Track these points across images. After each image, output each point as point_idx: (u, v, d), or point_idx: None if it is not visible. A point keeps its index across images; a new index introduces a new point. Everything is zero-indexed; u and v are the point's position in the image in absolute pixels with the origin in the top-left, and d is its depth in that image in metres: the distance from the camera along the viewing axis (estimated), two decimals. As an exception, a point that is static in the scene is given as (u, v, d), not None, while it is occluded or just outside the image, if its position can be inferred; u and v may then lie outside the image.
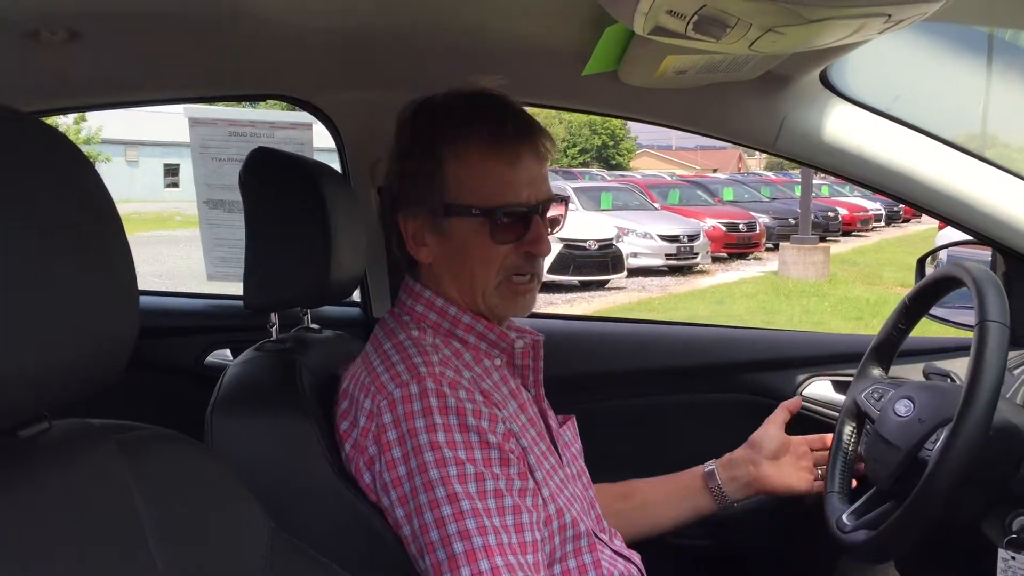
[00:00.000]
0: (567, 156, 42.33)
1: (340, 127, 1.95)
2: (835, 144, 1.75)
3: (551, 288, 12.20)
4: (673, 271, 14.30)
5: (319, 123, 2.02)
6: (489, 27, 1.57)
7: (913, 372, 1.72)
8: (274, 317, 1.45)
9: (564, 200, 1.36)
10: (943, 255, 2.13)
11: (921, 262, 2.10)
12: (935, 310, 1.85)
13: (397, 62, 1.73)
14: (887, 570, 1.87)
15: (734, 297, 11.98)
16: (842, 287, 12.73)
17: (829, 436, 1.61)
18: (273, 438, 1.24)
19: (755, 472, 1.56)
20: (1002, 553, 1.29)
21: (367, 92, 1.84)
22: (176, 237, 16.58)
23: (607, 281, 12.85)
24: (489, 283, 1.30)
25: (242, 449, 1.23)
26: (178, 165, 31.99)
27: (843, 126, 1.75)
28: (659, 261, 14.21)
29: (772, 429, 1.59)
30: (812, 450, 1.61)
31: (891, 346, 1.60)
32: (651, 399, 2.05)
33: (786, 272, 13.66)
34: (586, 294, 12.27)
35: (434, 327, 1.31)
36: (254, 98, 2.01)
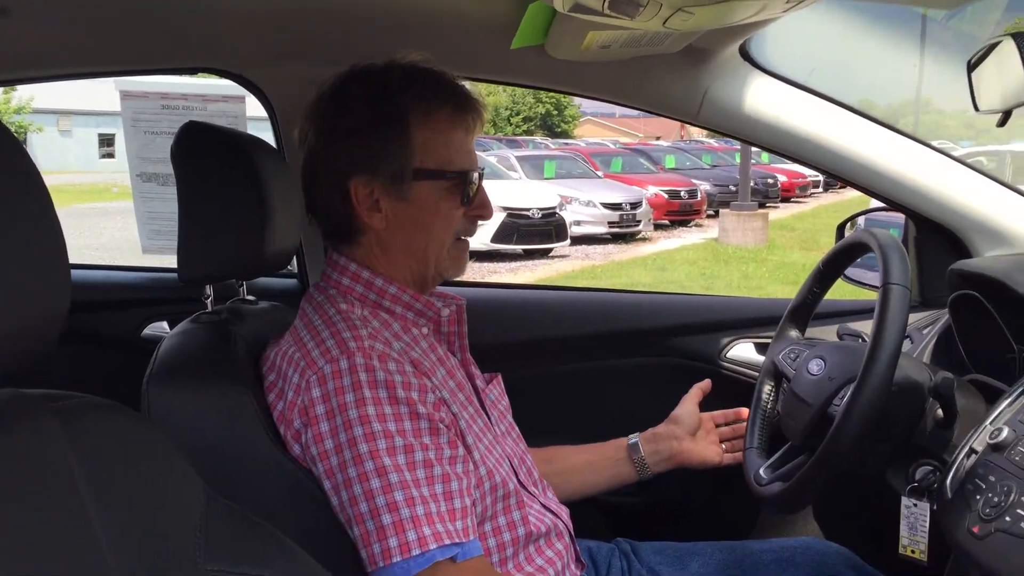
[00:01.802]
0: (511, 124, 42.17)
1: (273, 100, 1.96)
2: (754, 115, 1.82)
3: (495, 257, 12.24)
4: (616, 239, 14.41)
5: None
6: (420, 1, 1.60)
7: (828, 333, 1.80)
8: (209, 289, 1.47)
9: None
10: (861, 221, 2.22)
11: (841, 228, 2.18)
12: (852, 273, 1.95)
13: (328, 36, 1.75)
14: (805, 519, 1.97)
15: (675, 264, 12.15)
16: (780, 253, 12.98)
17: (734, 411, 1.72)
18: (208, 407, 1.26)
19: (677, 447, 1.66)
20: (905, 500, 1.37)
21: (299, 65, 1.84)
22: (113, 209, 16.22)
23: (551, 249, 12.93)
24: (444, 246, 1.35)
25: (178, 418, 1.25)
26: (113, 135, 31.16)
27: (762, 98, 1.81)
28: (602, 229, 14.31)
29: (690, 406, 1.70)
30: (717, 425, 1.72)
31: (807, 309, 1.68)
32: (578, 364, 2.11)
33: (726, 239, 13.86)
34: (530, 262, 12.34)
35: (361, 299, 1.34)
36: (185, 71, 1.99)
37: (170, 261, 1.78)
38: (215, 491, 0.96)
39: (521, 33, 1.55)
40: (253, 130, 1.80)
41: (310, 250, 2.07)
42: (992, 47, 1.31)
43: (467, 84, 1.40)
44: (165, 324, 2.14)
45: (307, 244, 2.05)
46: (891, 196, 1.86)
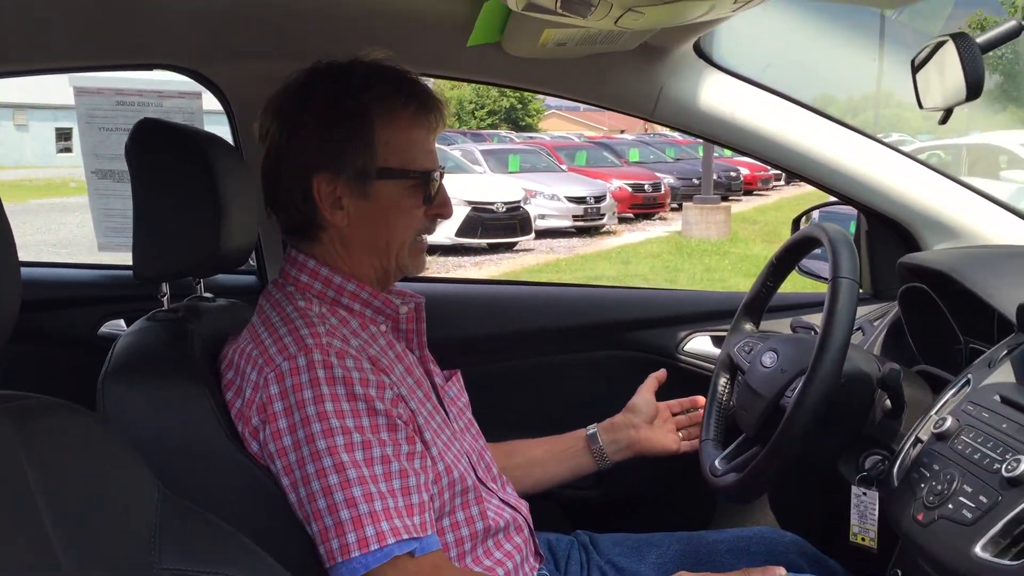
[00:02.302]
0: (475, 118, 42.10)
1: (230, 97, 1.95)
2: (709, 111, 1.84)
3: (460, 251, 12.23)
4: (580, 232, 14.45)
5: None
6: None
7: (783, 326, 1.84)
8: (165, 287, 1.46)
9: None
10: (816, 215, 2.26)
11: (796, 222, 2.22)
12: (807, 267, 1.98)
13: (286, 32, 1.74)
14: (762, 509, 2.00)
15: (639, 257, 12.21)
16: (742, 245, 13.10)
17: (690, 399, 1.73)
18: (164, 405, 1.26)
19: (635, 435, 1.68)
20: (855, 490, 1.39)
21: (257, 62, 1.83)
22: (71, 204, 15.99)
23: (515, 243, 12.93)
24: (406, 243, 1.36)
25: (133, 417, 1.24)
26: (70, 129, 30.62)
27: (717, 94, 1.84)
28: (567, 223, 14.34)
29: (647, 395, 1.71)
30: (674, 414, 1.73)
31: (760, 302, 1.70)
32: (539, 359, 2.13)
33: (689, 232, 13.95)
34: (494, 256, 12.33)
35: (319, 296, 1.34)
36: (140, 67, 1.97)
37: (127, 258, 1.76)
38: (171, 489, 0.96)
39: (477, 31, 1.56)
40: (210, 124, 1.79)
41: (269, 247, 2.06)
42: (935, 46, 1.34)
43: (428, 82, 1.41)
44: (122, 322, 2.13)
45: (265, 241, 2.04)
46: (843, 191, 1.90)
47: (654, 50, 1.76)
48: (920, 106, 1.38)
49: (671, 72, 1.82)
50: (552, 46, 1.58)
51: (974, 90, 1.24)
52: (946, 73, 1.29)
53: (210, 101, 2.18)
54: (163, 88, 2.23)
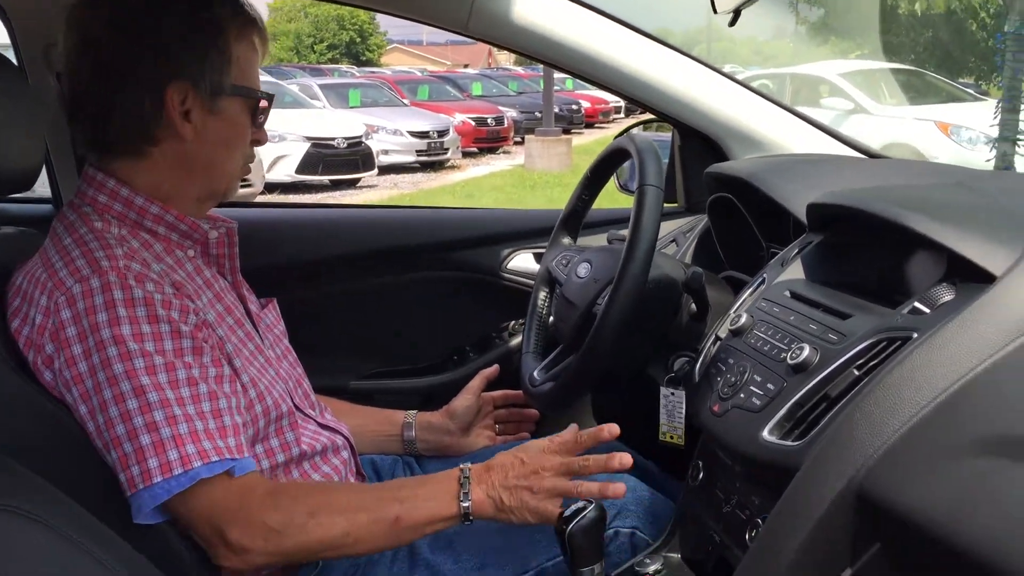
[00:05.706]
0: (315, 52, 40.79)
1: (9, 12, 1.79)
2: (525, 26, 1.82)
3: (301, 188, 11.93)
4: (424, 167, 14.35)
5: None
6: None
7: (602, 240, 1.87)
8: None
9: None
10: (636, 132, 2.30)
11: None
12: (629, 185, 2.01)
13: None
14: (585, 416, 2.06)
15: (483, 190, 12.24)
16: (583, 177, 13.33)
17: (515, 393, 1.69)
18: None
19: (448, 441, 1.64)
20: (663, 390, 1.45)
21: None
22: None
23: (358, 180, 12.71)
24: (239, 165, 1.35)
25: None
26: None
27: (531, 8, 1.82)
28: (410, 158, 14.19)
29: (469, 398, 1.66)
30: (496, 406, 1.70)
31: (577, 216, 1.73)
32: (362, 282, 2.10)
33: (532, 164, 14.07)
34: (337, 193, 12.09)
35: (119, 218, 1.26)
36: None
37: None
38: None
39: None
40: None
41: (62, 171, 1.92)
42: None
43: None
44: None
45: (59, 167, 1.91)
46: (655, 106, 1.93)
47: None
48: (715, 11, 1.41)
49: None
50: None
51: (757, -14, 1.27)
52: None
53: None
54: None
